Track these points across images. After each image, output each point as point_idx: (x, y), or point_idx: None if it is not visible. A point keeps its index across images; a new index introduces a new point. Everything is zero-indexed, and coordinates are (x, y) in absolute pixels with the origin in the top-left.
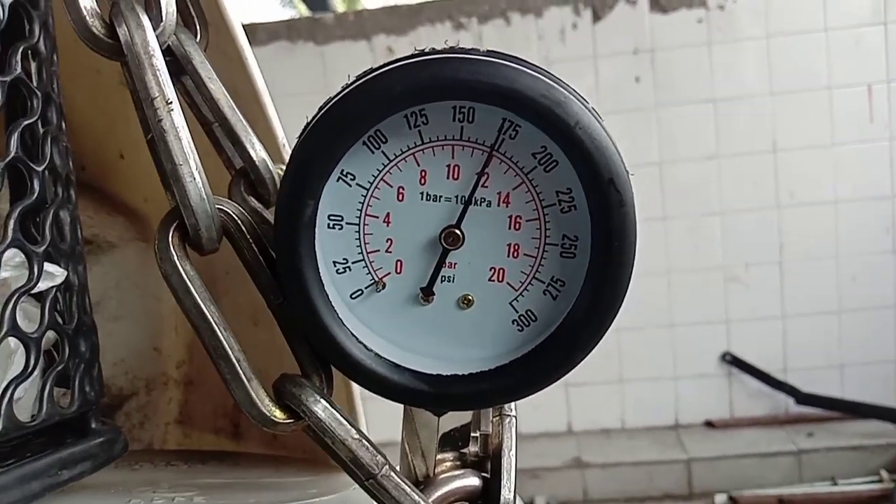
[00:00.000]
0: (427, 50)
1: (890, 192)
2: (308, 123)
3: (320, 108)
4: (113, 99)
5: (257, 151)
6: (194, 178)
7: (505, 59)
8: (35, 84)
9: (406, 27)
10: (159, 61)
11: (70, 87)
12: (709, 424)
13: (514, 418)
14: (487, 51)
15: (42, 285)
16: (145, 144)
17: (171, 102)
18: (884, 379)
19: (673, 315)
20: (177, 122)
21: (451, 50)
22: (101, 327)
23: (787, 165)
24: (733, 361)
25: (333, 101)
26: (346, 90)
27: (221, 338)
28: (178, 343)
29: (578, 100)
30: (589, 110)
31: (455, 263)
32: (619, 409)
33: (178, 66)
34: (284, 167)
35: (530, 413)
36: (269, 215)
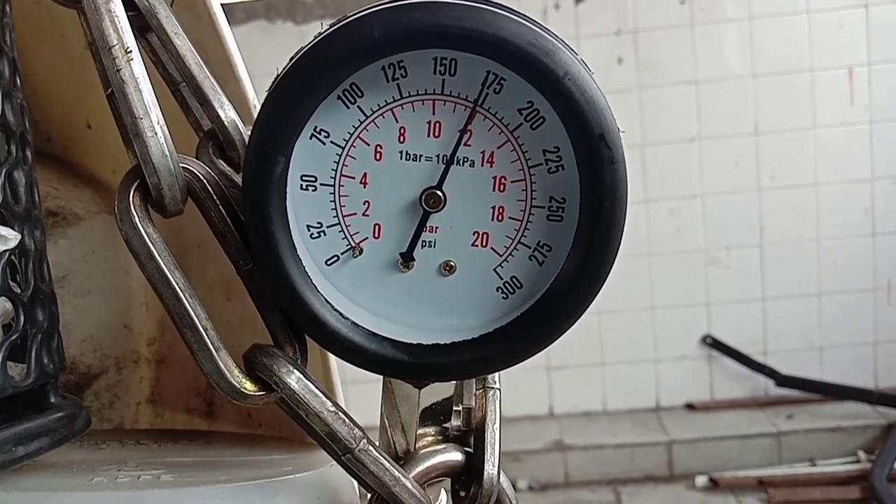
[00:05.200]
0: None
1: (870, 175)
2: (279, 74)
3: (292, 58)
4: (79, 66)
5: (226, 111)
6: (156, 133)
7: (489, 6)
8: None
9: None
10: (118, 7)
11: (34, 53)
12: (689, 407)
13: (497, 391)
14: None
15: None
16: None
17: (130, 51)
18: (862, 361)
19: (654, 298)
20: (137, 72)
21: None
22: (68, 303)
23: (768, 148)
24: (714, 344)
25: (306, 49)
26: (321, 36)
27: (187, 305)
28: (148, 319)
29: (567, 50)
30: (578, 61)
31: (436, 227)
32: (601, 391)
33: (143, 21)
34: (253, 124)
35: (512, 396)
36: (239, 179)
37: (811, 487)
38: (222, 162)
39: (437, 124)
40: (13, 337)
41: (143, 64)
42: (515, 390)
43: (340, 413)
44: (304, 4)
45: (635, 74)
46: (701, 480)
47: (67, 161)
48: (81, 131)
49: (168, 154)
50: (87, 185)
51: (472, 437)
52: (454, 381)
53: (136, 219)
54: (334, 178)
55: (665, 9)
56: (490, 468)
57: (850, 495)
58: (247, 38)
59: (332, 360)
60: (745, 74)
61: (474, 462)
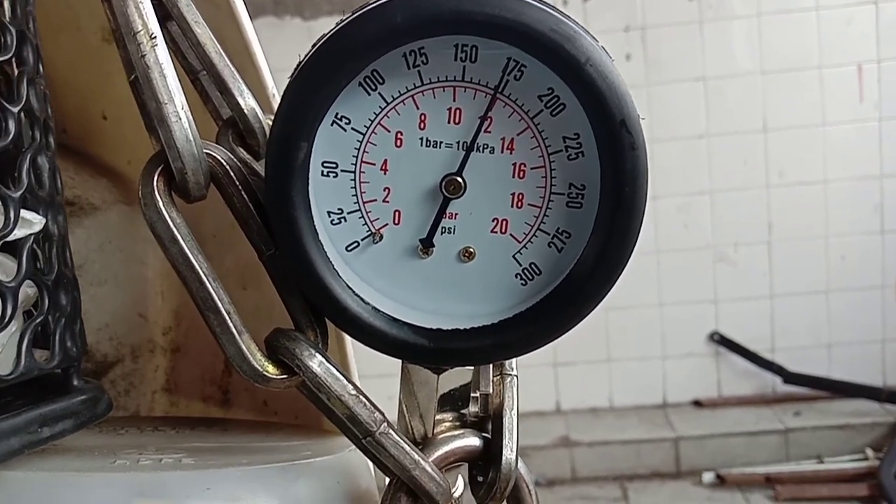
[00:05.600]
0: None
1: (879, 172)
2: (301, 60)
3: (314, 45)
4: (95, 57)
5: (246, 99)
6: (180, 119)
7: None
8: (8, 18)
9: None
10: None
11: (51, 45)
12: (697, 403)
13: (515, 377)
14: None
15: (18, 232)
16: (129, 105)
17: (154, 37)
18: (870, 358)
19: (662, 294)
20: (161, 58)
21: None
22: (84, 292)
23: (776, 145)
24: (721, 341)
25: (329, 35)
26: (342, 24)
27: (210, 289)
28: (164, 309)
29: (588, 36)
30: (599, 48)
31: (456, 214)
32: (608, 388)
33: (164, 10)
34: (275, 112)
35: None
36: (259, 167)
37: (818, 484)
38: (242, 149)
39: (458, 111)
40: (38, 320)
41: (166, 50)
42: (523, 386)
43: (361, 396)
44: (312, 0)
45: (644, 71)
46: (708, 477)
47: (83, 152)
48: (97, 122)
49: (192, 139)
50: (102, 175)
51: (489, 423)
52: (472, 368)
53: (161, 203)
54: (355, 165)
55: (673, 5)
56: (508, 453)
57: (857, 492)
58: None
59: (349, 346)
60: (754, 71)
61: (492, 447)
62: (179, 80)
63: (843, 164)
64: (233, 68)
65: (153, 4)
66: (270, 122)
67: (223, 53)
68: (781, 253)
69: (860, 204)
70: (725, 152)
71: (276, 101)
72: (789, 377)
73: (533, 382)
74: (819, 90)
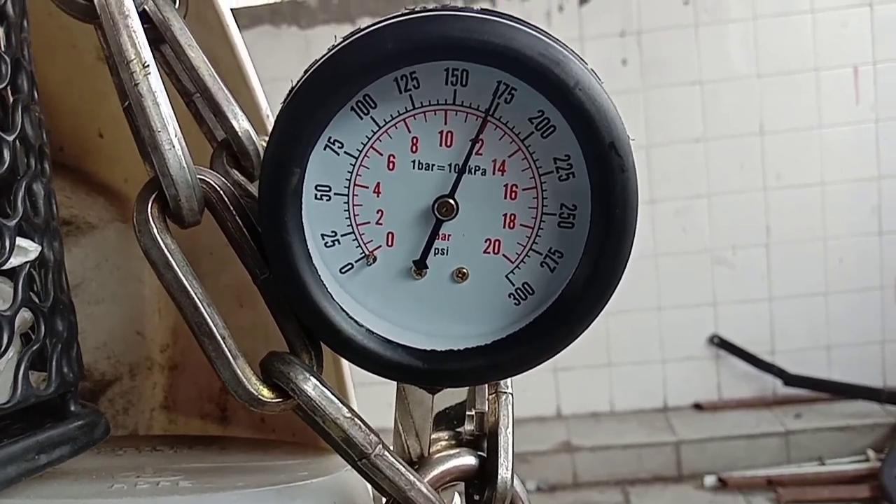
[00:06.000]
0: (418, 8)
1: (876, 174)
2: (293, 87)
3: (306, 71)
4: (90, 76)
5: (240, 122)
6: (174, 146)
7: (500, 17)
8: (3, 48)
9: (390, 9)
10: (135, 22)
11: (46, 63)
12: (697, 407)
13: (510, 395)
14: (482, 9)
15: (14, 261)
16: (125, 122)
17: (147, 65)
18: (870, 360)
19: (661, 298)
20: (154, 86)
21: (444, 7)
22: (82, 310)
23: (773, 147)
24: (721, 344)
25: (321, 61)
26: (334, 50)
27: (205, 314)
28: (161, 326)
29: (577, 60)
30: (588, 71)
31: (449, 235)
32: (608, 392)
33: (157, 33)
34: (268, 137)
35: (519, 397)
36: (254, 189)
37: (820, 486)
38: (236, 172)
39: (449, 134)
40: (34, 347)
41: (159, 77)
42: (523, 392)
43: (356, 419)
44: (308, 9)
45: (640, 75)
46: (709, 480)
47: (80, 170)
48: (93, 140)
49: (185, 166)
50: (99, 193)
51: (485, 441)
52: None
53: (155, 230)
54: (348, 188)
55: (669, 9)
56: (504, 472)
57: (859, 494)
58: (252, 43)
59: (346, 366)
60: (750, 74)
61: (488, 466)
62: (173, 101)
63: (840, 167)
64: (227, 91)
65: (146, 28)
66: (264, 144)
67: (217, 76)
68: (780, 255)
69: (858, 206)
70: (722, 156)
71: (269, 122)
72: (789, 379)
73: (533, 388)
74: (815, 93)
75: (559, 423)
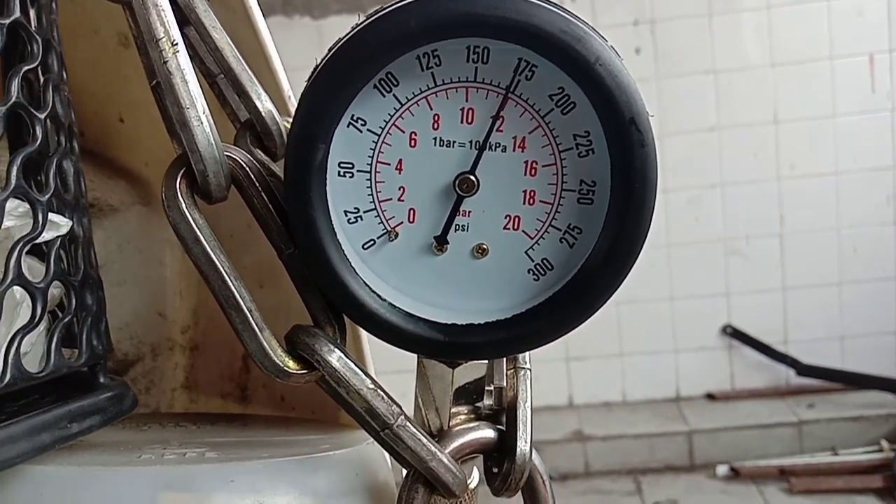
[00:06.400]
0: None
1: (891, 163)
2: (318, 64)
3: (330, 49)
4: (112, 61)
5: (263, 102)
6: (202, 122)
7: None
8: (34, 28)
9: None
10: (163, 1)
11: (68, 48)
12: (710, 396)
13: (528, 371)
14: None
15: (47, 235)
16: (145, 107)
17: (176, 44)
18: (884, 350)
19: (673, 288)
20: (183, 63)
21: None
22: (105, 292)
23: (787, 137)
24: (734, 334)
25: (344, 40)
26: (358, 28)
27: (232, 287)
28: (182, 308)
29: (598, 36)
30: (609, 48)
31: (469, 211)
32: (620, 382)
33: (182, 15)
34: (291, 119)
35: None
36: (277, 168)
37: (833, 476)
38: (260, 151)
39: (470, 111)
40: (66, 319)
41: (187, 56)
42: (535, 382)
43: (379, 390)
44: None
45: (653, 64)
46: (722, 470)
47: (101, 154)
48: (114, 125)
49: (214, 143)
50: (120, 177)
51: (503, 415)
52: (486, 362)
53: (184, 205)
54: (371, 165)
55: None
56: (523, 444)
57: (872, 484)
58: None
59: (365, 341)
60: (764, 63)
61: (507, 439)
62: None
63: (854, 156)
64: (250, 72)
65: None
66: (287, 125)
67: (240, 57)
68: (793, 245)
69: (872, 195)
70: (736, 145)
71: (291, 104)
72: (802, 369)
73: (546, 377)
74: (830, 81)
75: (571, 413)
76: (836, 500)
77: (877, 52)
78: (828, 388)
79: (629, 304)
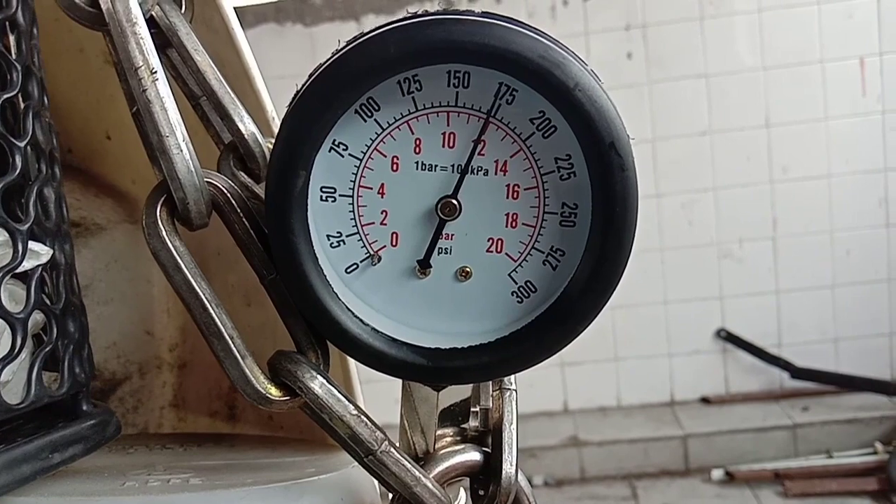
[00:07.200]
0: (420, 12)
1: (883, 166)
2: (298, 91)
3: (311, 75)
4: (97, 79)
5: (246, 124)
6: (181, 150)
7: (501, 20)
8: (14, 56)
9: (395, 7)
10: (142, 29)
11: (53, 67)
12: (704, 400)
13: (514, 392)
14: (483, 12)
15: (27, 264)
16: (132, 125)
17: (155, 72)
18: (877, 352)
19: (667, 292)
20: (162, 92)
21: (445, 11)
22: (92, 311)
23: (780, 140)
24: (728, 337)
25: (324, 66)
26: (338, 55)
27: (213, 314)
28: (170, 325)
29: (577, 61)
30: (588, 72)
31: (452, 235)
32: (615, 387)
33: (164, 38)
34: (274, 140)
35: (526, 393)
36: (260, 191)
37: (828, 479)
38: (243, 174)
39: (452, 135)
40: (47, 349)
41: (167, 83)
42: (530, 387)
43: (362, 416)
44: (313, 6)
45: (645, 69)
46: (717, 474)
47: (88, 172)
48: (101, 142)
49: (193, 170)
50: (107, 195)
51: (489, 437)
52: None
53: (164, 233)
54: (353, 190)
55: (674, 2)
56: (508, 467)
57: (867, 487)
58: (257, 41)
59: (352, 364)
60: (756, 67)
61: (492, 461)
62: (180, 105)
63: (846, 159)
64: (233, 94)
65: (153, 33)
66: (270, 146)
67: (223, 80)
68: (786, 248)
69: (864, 198)
70: (728, 149)
71: (275, 125)
72: (797, 372)
73: (540, 383)
74: (821, 84)
75: (566, 418)
76: (831, 502)
77: (867, 55)
78: (822, 390)
79: (623, 309)
